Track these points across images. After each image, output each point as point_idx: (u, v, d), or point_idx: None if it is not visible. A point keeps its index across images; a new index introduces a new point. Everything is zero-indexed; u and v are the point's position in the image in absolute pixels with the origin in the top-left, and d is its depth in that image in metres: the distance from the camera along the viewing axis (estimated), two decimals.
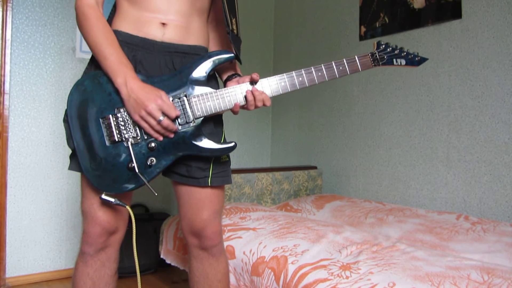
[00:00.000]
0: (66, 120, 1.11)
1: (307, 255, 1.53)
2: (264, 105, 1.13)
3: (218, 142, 1.16)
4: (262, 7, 3.47)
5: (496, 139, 2.09)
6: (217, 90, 1.11)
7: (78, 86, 1.10)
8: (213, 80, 1.22)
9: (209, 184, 1.17)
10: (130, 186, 1.08)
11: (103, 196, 1.08)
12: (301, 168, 2.88)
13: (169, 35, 1.15)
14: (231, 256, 1.72)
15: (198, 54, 1.15)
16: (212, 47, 1.31)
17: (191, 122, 1.09)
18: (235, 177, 2.48)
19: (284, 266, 1.51)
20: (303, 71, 1.14)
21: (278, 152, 3.44)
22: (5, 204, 2.35)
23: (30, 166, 2.42)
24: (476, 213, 2.15)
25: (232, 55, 1.14)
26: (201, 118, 1.10)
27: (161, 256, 2.23)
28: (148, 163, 1.08)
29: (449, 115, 2.29)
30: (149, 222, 2.62)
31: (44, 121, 2.46)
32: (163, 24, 1.14)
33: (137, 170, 1.06)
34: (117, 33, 1.15)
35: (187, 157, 1.15)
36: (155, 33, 1.14)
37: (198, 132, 1.10)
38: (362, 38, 2.77)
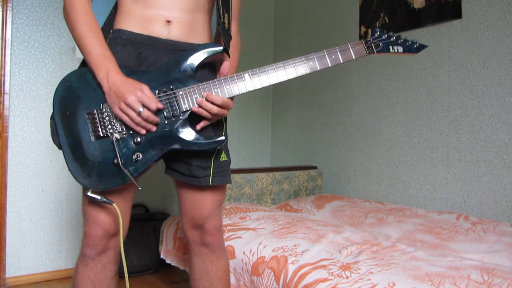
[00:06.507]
0: (53, 117, 1.09)
1: (307, 255, 1.53)
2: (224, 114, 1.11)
3: (218, 134, 1.14)
4: (262, 7, 3.47)
5: (496, 139, 2.09)
6: (205, 83, 1.08)
7: (64, 82, 1.09)
8: (208, 71, 1.20)
9: (210, 184, 1.17)
10: (116, 182, 1.07)
11: (89, 194, 1.06)
12: (301, 168, 2.88)
13: (174, 33, 1.14)
14: (231, 256, 1.72)
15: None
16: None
17: (179, 115, 1.07)
18: (235, 177, 2.48)
19: (284, 266, 1.51)
20: (292, 62, 1.10)
21: (278, 152, 3.44)
22: (5, 204, 2.35)
23: (30, 166, 2.42)
24: (476, 213, 2.15)
25: (221, 48, 1.12)
26: (189, 112, 1.08)
27: (161, 256, 2.23)
28: (134, 159, 1.06)
29: (449, 115, 2.29)
30: (149, 222, 2.62)
31: (44, 121, 2.46)
32: (168, 21, 1.13)
33: (121, 166, 1.04)
34: (121, 32, 1.15)
35: (187, 156, 1.15)
36: (160, 31, 1.13)
37: (185, 126, 1.08)
38: (362, 38, 2.77)
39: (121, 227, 1.11)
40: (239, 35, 1.34)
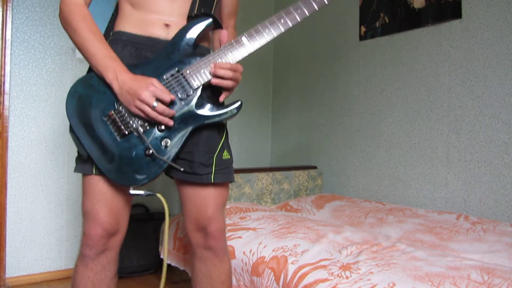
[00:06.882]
0: (71, 130, 1.10)
1: (307, 255, 1.53)
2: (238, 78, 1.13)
3: (223, 105, 1.16)
4: (262, 7, 3.47)
5: (496, 139, 2.09)
6: (206, 56, 1.11)
7: (72, 94, 1.10)
8: (203, 49, 1.22)
9: (212, 181, 1.17)
10: (155, 172, 1.09)
11: (131, 191, 1.09)
12: (301, 168, 2.88)
13: (173, 34, 1.15)
14: (231, 256, 1.71)
15: (202, 54, 1.15)
16: (217, 45, 1.31)
17: (192, 94, 1.09)
18: (235, 177, 2.48)
19: (284, 266, 1.51)
20: (267, 23, 1.12)
21: (278, 152, 3.44)
22: (5, 204, 2.35)
23: (30, 166, 2.42)
24: (476, 213, 2.15)
25: (210, 19, 1.14)
26: (200, 87, 1.10)
27: (161, 256, 2.23)
28: (163, 145, 1.08)
29: (449, 115, 2.29)
30: (149, 222, 2.62)
31: (44, 121, 2.46)
32: (167, 25, 1.15)
33: (156, 154, 1.06)
34: (121, 34, 1.16)
35: (189, 153, 1.15)
36: (160, 33, 1.15)
37: (201, 101, 1.11)
38: (362, 38, 2.77)
39: (167, 216, 1.16)
40: (236, 32, 1.36)
